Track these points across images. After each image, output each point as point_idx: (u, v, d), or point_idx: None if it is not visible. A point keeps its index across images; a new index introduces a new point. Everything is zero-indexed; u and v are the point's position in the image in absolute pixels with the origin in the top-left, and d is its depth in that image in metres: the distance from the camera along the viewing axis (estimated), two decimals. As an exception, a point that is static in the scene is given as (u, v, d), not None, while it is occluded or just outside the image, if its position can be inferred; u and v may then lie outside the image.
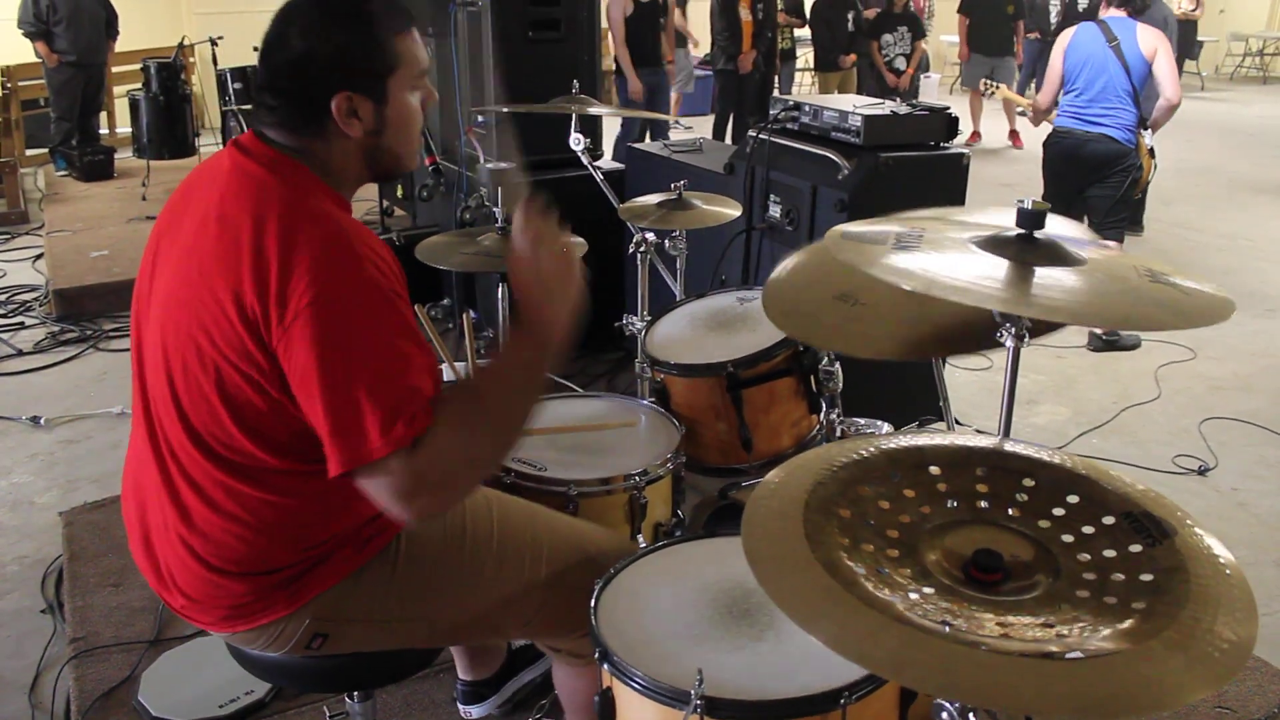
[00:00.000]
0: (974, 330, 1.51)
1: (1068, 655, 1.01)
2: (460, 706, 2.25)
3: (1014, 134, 9.86)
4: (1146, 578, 1.14)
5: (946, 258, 1.31)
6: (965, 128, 9.70)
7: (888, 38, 8.37)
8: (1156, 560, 1.16)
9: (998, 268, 1.28)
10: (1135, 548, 1.18)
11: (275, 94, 1.44)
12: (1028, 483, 1.29)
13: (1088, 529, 1.22)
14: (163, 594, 1.56)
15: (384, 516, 1.52)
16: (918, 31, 8.44)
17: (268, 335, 1.33)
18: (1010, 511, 1.26)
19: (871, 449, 1.34)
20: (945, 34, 12.45)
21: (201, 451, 1.43)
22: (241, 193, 1.40)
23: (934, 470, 1.31)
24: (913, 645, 1.02)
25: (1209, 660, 1.01)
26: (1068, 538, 1.21)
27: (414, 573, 1.57)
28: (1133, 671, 1.00)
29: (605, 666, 1.42)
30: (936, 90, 11.27)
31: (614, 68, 7.18)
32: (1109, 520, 1.22)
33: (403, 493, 1.30)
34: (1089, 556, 1.18)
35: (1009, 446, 1.36)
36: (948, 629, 1.04)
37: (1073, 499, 1.26)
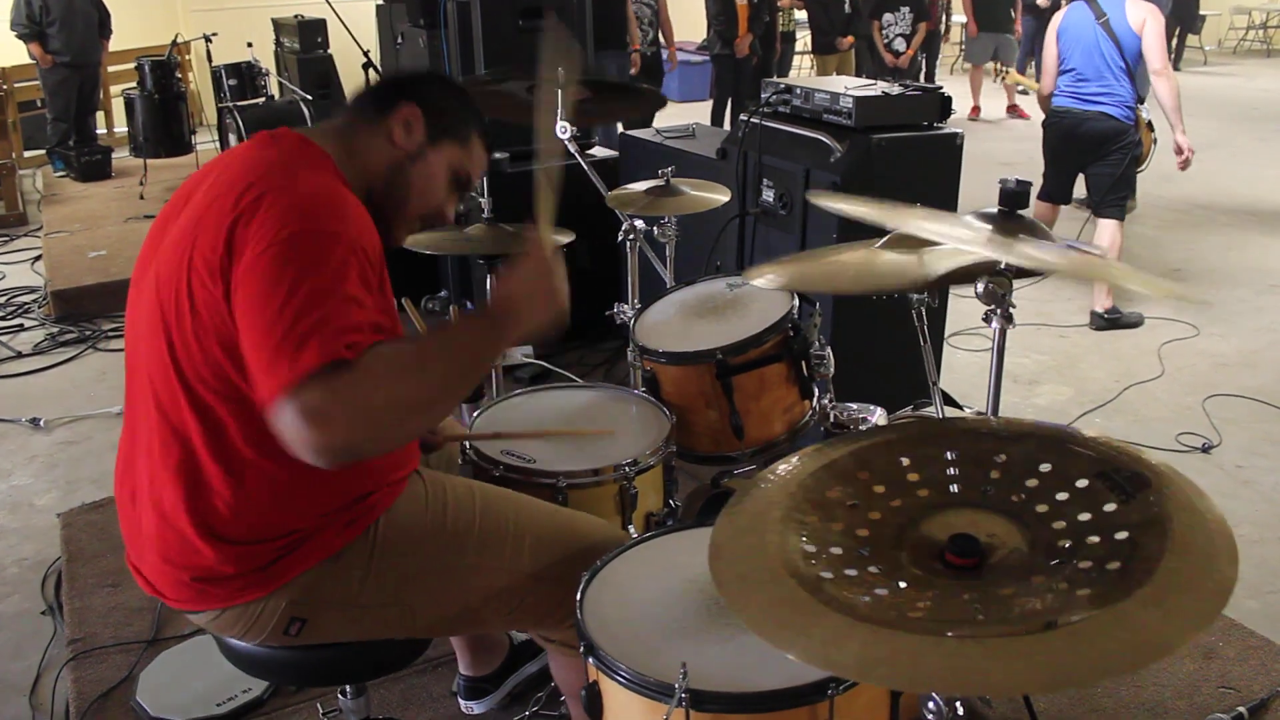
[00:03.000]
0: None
1: (1044, 628, 1.00)
2: (461, 702, 2.25)
3: (1013, 107, 9.88)
4: (1121, 536, 1.12)
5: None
6: (967, 102, 9.75)
7: (889, 17, 8.31)
8: (1131, 516, 1.13)
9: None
10: (1110, 507, 1.16)
11: (376, 81, 1.59)
12: (999, 459, 1.27)
13: (1061, 495, 1.20)
14: (142, 568, 1.56)
15: (365, 501, 1.53)
16: (921, 13, 8.38)
17: (229, 282, 1.35)
18: (985, 490, 1.25)
19: (840, 452, 1.33)
20: (955, 15, 12.43)
21: (197, 407, 1.43)
22: (244, 163, 1.46)
23: (905, 461, 1.29)
24: (876, 643, 1.02)
25: (1186, 610, 1.00)
26: (1041, 508, 1.20)
27: (392, 558, 1.57)
28: (1105, 635, 0.98)
29: (590, 660, 1.41)
30: (937, 71, 11.22)
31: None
32: (1082, 483, 1.20)
33: (312, 415, 1.22)
34: (1064, 524, 1.17)
35: (977, 425, 1.33)
36: (917, 620, 1.03)
37: (1045, 468, 1.24)
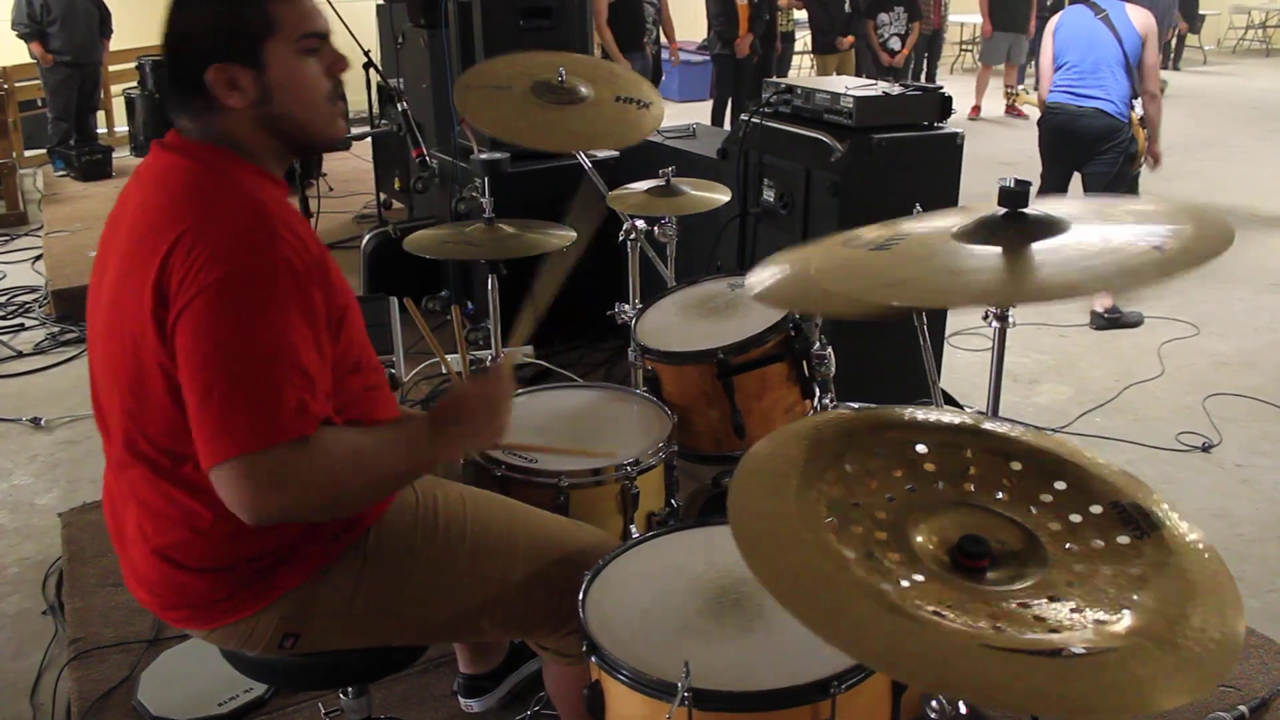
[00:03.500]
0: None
1: (1066, 652, 0.99)
2: (461, 700, 2.25)
3: (1011, 107, 9.90)
4: (1135, 571, 1.11)
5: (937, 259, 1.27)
6: (968, 101, 9.77)
7: (883, 17, 8.32)
8: (1144, 554, 1.13)
9: (990, 257, 1.24)
10: (1123, 539, 1.16)
11: (168, 80, 1.44)
12: (1015, 467, 1.27)
13: (1075, 517, 1.20)
14: (135, 592, 1.56)
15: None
16: (914, 13, 8.39)
17: (170, 325, 1.32)
18: (998, 495, 1.24)
19: (856, 423, 1.32)
20: (953, 15, 12.45)
21: (155, 448, 1.41)
22: (163, 188, 1.40)
23: (921, 449, 1.29)
24: (906, 638, 1.00)
25: (1198, 661, 0.99)
26: (1055, 526, 1.19)
27: (383, 570, 1.55)
28: (1126, 671, 0.97)
29: (593, 659, 1.41)
30: (937, 71, 11.24)
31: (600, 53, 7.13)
32: (1096, 509, 1.20)
33: (244, 483, 1.26)
34: (1077, 547, 1.16)
35: (996, 427, 1.33)
36: (941, 619, 1.02)
37: (1060, 485, 1.24)
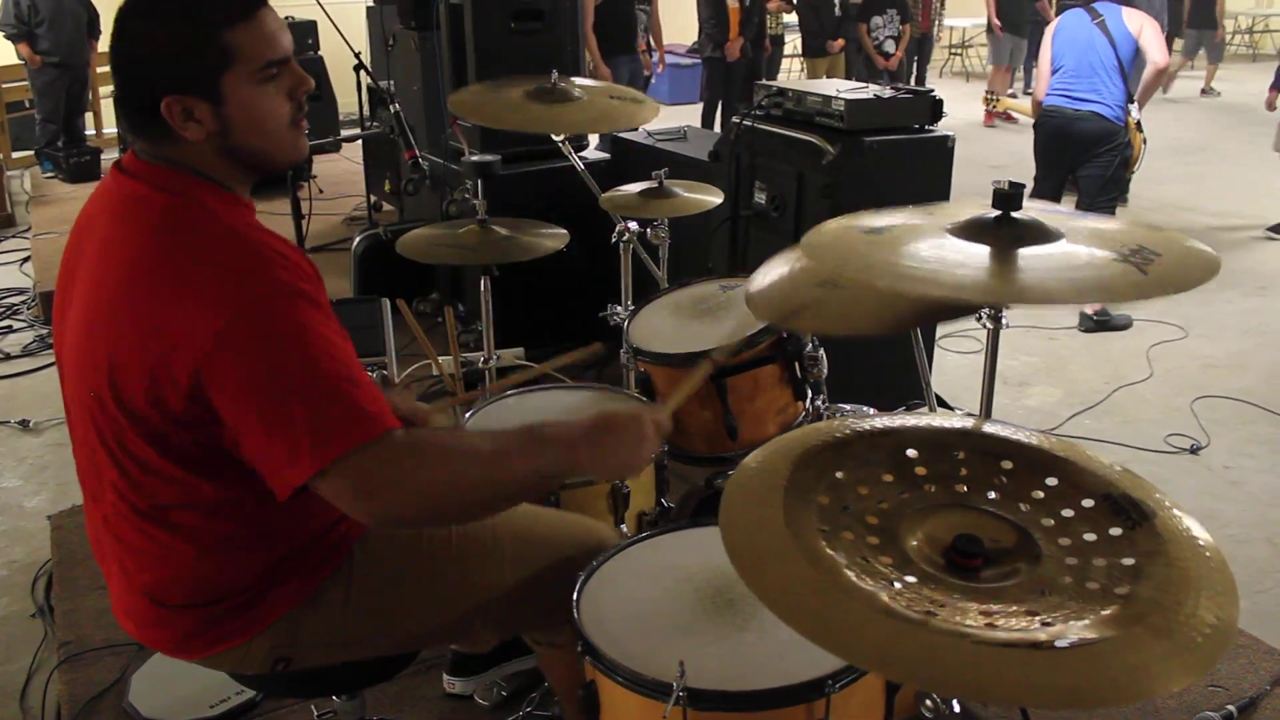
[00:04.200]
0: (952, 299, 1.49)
1: (1056, 644, 0.99)
2: (445, 677, 2.23)
3: (992, 114, 9.95)
4: (1128, 562, 1.13)
5: (925, 249, 1.28)
6: (959, 105, 9.80)
7: (877, 20, 8.34)
8: (1137, 544, 1.15)
9: (978, 255, 1.25)
10: (1115, 531, 1.17)
11: (120, 103, 1.36)
12: (1006, 465, 1.28)
13: (1067, 512, 1.21)
14: (121, 622, 1.54)
15: (332, 535, 1.50)
16: (905, 15, 8.42)
17: (173, 368, 1.26)
18: (990, 495, 1.25)
19: (847, 432, 1.33)
20: (947, 18, 12.53)
21: (131, 486, 1.38)
22: (128, 220, 1.34)
23: (912, 454, 1.30)
24: (897, 637, 1.01)
25: (1193, 646, 1.00)
26: (1048, 521, 1.20)
27: (370, 590, 1.52)
28: (1119, 659, 0.98)
29: (588, 660, 1.41)
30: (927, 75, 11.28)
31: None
32: (1088, 503, 1.21)
33: (360, 482, 1.24)
34: (1069, 541, 1.17)
35: (986, 428, 1.34)
36: (933, 618, 1.03)
37: (1052, 481, 1.25)
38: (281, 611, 1.46)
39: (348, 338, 1.33)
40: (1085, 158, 4.58)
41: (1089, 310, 4.70)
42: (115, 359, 1.30)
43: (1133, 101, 4.53)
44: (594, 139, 4.57)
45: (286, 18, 8.06)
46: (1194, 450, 3.59)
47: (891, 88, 3.24)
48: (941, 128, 3.21)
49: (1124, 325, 4.72)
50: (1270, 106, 6.44)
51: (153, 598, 1.44)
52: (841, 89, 3.20)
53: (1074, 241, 1.26)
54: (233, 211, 1.36)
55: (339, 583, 1.50)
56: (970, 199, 1.35)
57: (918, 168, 3.12)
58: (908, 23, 8.46)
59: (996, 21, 9.51)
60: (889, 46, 8.40)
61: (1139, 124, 4.59)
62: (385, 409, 1.28)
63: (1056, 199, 4.94)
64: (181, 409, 1.28)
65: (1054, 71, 4.63)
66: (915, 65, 9.82)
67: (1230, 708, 2.23)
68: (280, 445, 1.24)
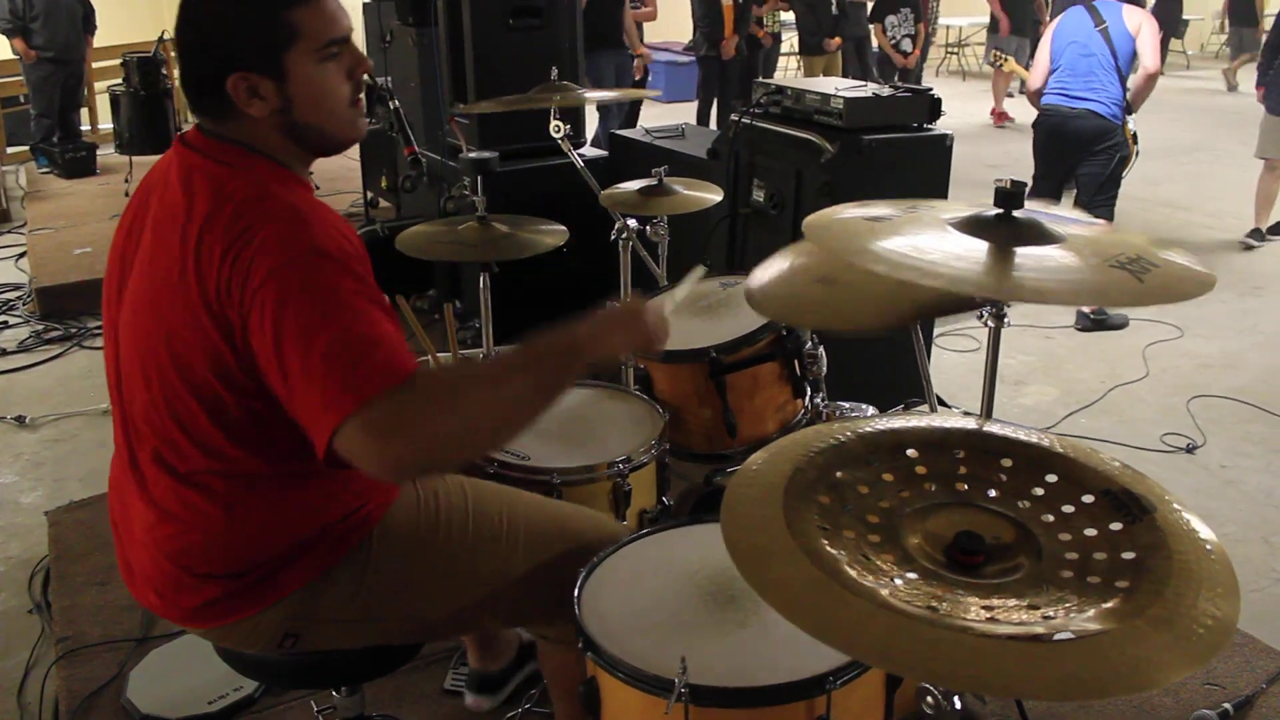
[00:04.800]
0: (952, 296, 1.49)
1: (1055, 637, 1.00)
2: (468, 695, 2.24)
3: (999, 114, 9.96)
4: (1129, 555, 1.13)
5: (925, 240, 1.29)
6: (971, 104, 9.83)
7: (892, 19, 8.34)
8: (1137, 538, 1.15)
9: (977, 249, 1.26)
10: (1115, 525, 1.17)
11: (185, 82, 1.42)
12: (1006, 463, 1.28)
13: (1068, 508, 1.21)
14: (134, 590, 1.56)
15: (355, 517, 1.51)
16: (919, 13, 8.41)
17: (232, 326, 1.31)
18: (990, 493, 1.26)
19: (848, 434, 1.33)
20: (944, 17, 12.57)
21: (175, 453, 1.42)
22: (187, 189, 1.38)
23: (911, 453, 1.30)
24: (899, 632, 1.01)
25: (1194, 638, 1.01)
26: (1048, 517, 1.21)
27: (386, 571, 1.55)
28: (1120, 651, 0.99)
29: (589, 655, 1.41)
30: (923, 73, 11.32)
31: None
32: (1088, 499, 1.22)
33: (377, 430, 1.23)
34: (1070, 536, 1.18)
35: (986, 427, 1.35)
36: (935, 613, 1.03)
37: (1051, 478, 1.26)
38: (297, 585, 1.48)
39: (395, 319, 1.35)
40: (1083, 156, 4.60)
41: (1086, 309, 4.71)
42: (175, 325, 1.35)
43: (1130, 112, 4.54)
44: (589, 135, 4.56)
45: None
46: (1190, 449, 3.60)
47: (890, 86, 3.24)
48: (939, 127, 3.22)
49: (1120, 325, 4.73)
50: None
51: (179, 563, 1.46)
52: (840, 87, 3.20)
53: (1071, 247, 1.27)
54: (289, 188, 1.41)
55: (356, 562, 1.52)
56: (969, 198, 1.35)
57: (916, 166, 3.12)
58: (922, 21, 8.45)
59: (1005, 19, 9.49)
60: (906, 45, 8.40)
61: (1134, 136, 4.61)
62: (400, 358, 1.28)
63: (1056, 198, 4.96)
64: (236, 364, 1.33)
65: (1053, 69, 4.65)
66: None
67: (1226, 705, 2.24)
68: (314, 393, 1.25)
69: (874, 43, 8.79)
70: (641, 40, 7.43)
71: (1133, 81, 4.56)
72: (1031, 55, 9.61)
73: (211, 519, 1.43)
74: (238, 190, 1.36)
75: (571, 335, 1.41)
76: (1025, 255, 1.25)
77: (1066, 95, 4.57)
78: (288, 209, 1.35)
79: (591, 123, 5.83)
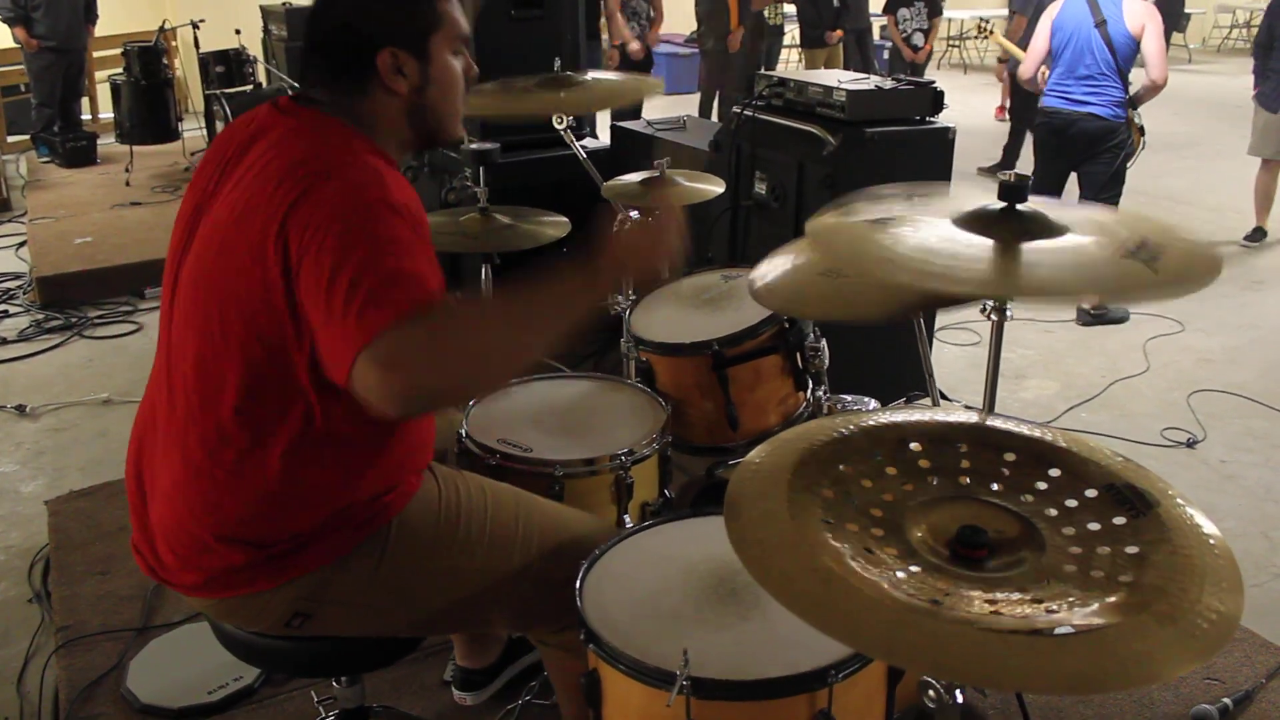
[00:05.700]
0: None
1: (1057, 631, 1.00)
2: (455, 692, 2.25)
3: (1004, 109, 9.93)
4: (1132, 550, 1.13)
5: (930, 238, 1.29)
6: (976, 100, 9.78)
7: (904, 12, 8.30)
8: (1141, 532, 1.15)
9: (982, 248, 1.26)
10: (1119, 520, 1.17)
11: (324, 53, 1.50)
12: (1009, 457, 1.28)
13: (1071, 502, 1.21)
14: (142, 549, 1.56)
15: (377, 503, 1.52)
16: (934, 7, 8.38)
17: (290, 261, 1.33)
18: (993, 487, 1.26)
19: (852, 427, 1.33)
20: (946, 10, 12.50)
21: (221, 408, 1.42)
22: (282, 146, 1.43)
23: (915, 447, 1.30)
24: (902, 625, 1.02)
25: (1197, 632, 1.01)
26: (1051, 512, 1.21)
27: (402, 560, 1.55)
28: (1122, 646, 0.99)
29: (591, 648, 1.41)
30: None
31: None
32: (1091, 493, 1.22)
33: (387, 361, 1.24)
34: (1073, 530, 1.18)
35: (989, 421, 1.35)
36: (938, 606, 1.03)
37: (1054, 473, 1.26)
38: (314, 566, 1.49)
39: (440, 277, 1.36)
40: (1088, 155, 4.56)
41: (1086, 304, 4.70)
42: (232, 283, 1.38)
43: (1134, 107, 4.50)
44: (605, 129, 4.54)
45: (284, 3, 8.01)
46: (1190, 444, 3.60)
47: (893, 79, 3.24)
48: (942, 120, 3.21)
49: (1121, 319, 4.73)
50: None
51: (204, 526, 1.46)
52: (843, 80, 3.19)
53: (1079, 235, 1.26)
54: (378, 160, 1.44)
55: (373, 549, 1.53)
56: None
57: (919, 159, 3.12)
58: (937, 16, 8.41)
59: (1019, 16, 9.43)
60: (918, 39, 8.36)
61: (1142, 129, 4.58)
62: (422, 293, 1.29)
63: (1057, 197, 4.94)
64: (286, 309, 1.34)
65: (1052, 68, 4.61)
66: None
67: (1226, 701, 2.25)
68: (336, 308, 1.27)
69: (876, 35, 8.75)
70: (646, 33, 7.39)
71: (1135, 79, 4.52)
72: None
73: (245, 487, 1.44)
74: (324, 149, 1.41)
75: (589, 262, 1.46)
76: (1032, 251, 1.25)
77: (1067, 99, 4.53)
78: (370, 168, 1.39)
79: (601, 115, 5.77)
